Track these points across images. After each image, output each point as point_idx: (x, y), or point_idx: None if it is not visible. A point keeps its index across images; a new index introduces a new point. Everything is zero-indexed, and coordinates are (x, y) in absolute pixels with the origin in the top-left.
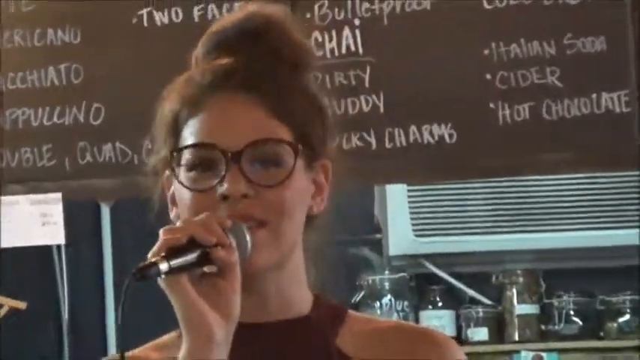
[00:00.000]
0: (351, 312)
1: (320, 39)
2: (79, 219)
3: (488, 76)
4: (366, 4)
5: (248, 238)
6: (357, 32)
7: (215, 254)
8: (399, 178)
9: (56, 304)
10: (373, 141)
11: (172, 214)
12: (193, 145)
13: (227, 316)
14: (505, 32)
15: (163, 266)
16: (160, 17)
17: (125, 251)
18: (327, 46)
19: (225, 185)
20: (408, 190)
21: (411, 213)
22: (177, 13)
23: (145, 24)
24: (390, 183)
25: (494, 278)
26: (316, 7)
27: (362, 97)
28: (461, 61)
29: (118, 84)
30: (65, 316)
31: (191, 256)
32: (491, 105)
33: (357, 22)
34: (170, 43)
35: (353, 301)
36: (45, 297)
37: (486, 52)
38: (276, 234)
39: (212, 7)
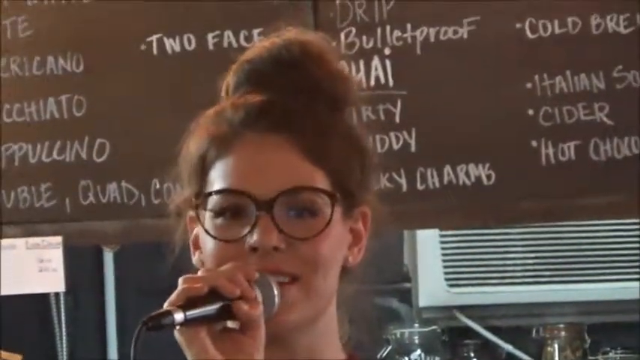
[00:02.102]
0: None
1: (346, 69)
2: (80, 265)
3: (531, 112)
4: (398, 32)
5: (276, 292)
6: (388, 62)
7: (238, 308)
8: (431, 222)
9: (53, 358)
10: (404, 182)
11: (195, 258)
12: (222, 191)
13: None
14: (549, 64)
15: (179, 316)
16: (171, 44)
17: (129, 302)
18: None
19: (255, 237)
20: (441, 236)
21: (444, 261)
22: (189, 40)
23: (155, 52)
24: (422, 228)
25: (534, 332)
26: (342, 34)
27: (392, 134)
28: (501, 96)
29: (124, 117)
30: None
31: (211, 308)
32: (534, 143)
33: (387, 51)
34: (182, 73)
35: (379, 356)
36: (42, 349)
37: (529, 85)
38: (308, 290)
39: (228, 33)
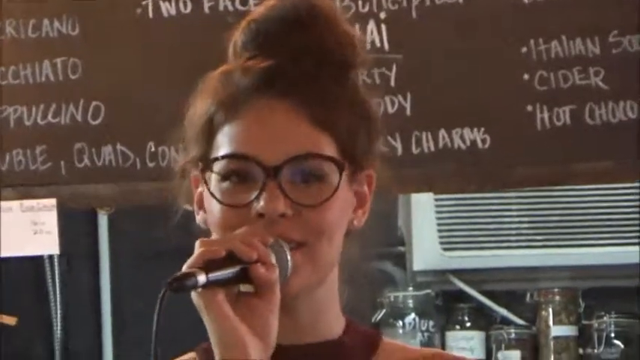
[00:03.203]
0: (385, 339)
1: None
2: (74, 228)
3: (526, 77)
4: None
5: (289, 257)
6: (383, 27)
7: (255, 272)
8: (426, 186)
9: (47, 320)
10: (399, 146)
11: (198, 218)
12: (230, 156)
13: (264, 338)
14: (545, 29)
15: (201, 278)
16: (167, 7)
17: (124, 264)
18: None
19: (262, 203)
20: (436, 200)
21: (439, 225)
22: (185, 3)
23: (150, 15)
24: (417, 192)
25: (528, 297)
26: None
27: (387, 98)
28: (496, 60)
29: (119, 80)
30: (57, 333)
31: (230, 271)
32: (529, 108)
33: (382, 15)
34: (178, 37)
35: (373, 319)
36: (37, 312)
37: (524, 50)
38: (313, 256)
39: None
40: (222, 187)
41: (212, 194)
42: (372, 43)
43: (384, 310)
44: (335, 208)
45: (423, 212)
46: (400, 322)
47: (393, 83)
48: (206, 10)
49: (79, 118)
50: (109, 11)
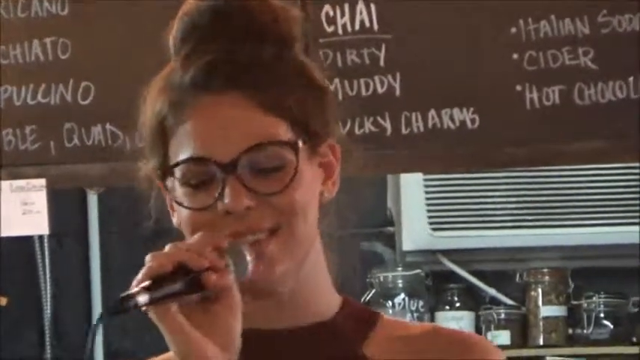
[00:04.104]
0: (385, 317)
1: (332, 14)
2: (64, 208)
3: (515, 56)
4: None
5: (248, 256)
6: (372, 7)
7: (207, 279)
8: (415, 166)
9: (37, 301)
10: (388, 126)
11: (175, 220)
12: (184, 161)
13: (226, 344)
14: (534, 8)
15: (142, 298)
16: None
17: (113, 244)
18: (340, 21)
19: (226, 200)
20: (425, 180)
21: (428, 205)
22: None
23: None
24: (406, 172)
25: (517, 277)
26: None
27: (376, 78)
28: (485, 40)
29: (108, 60)
30: (47, 313)
31: (177, 284)
32: (518, 88)
33: None
34: (167, 17)
35: (363, 299)
36: (26, 292)
37: (513, 30)
38: (288, 239)
39: None
40: (185, 192)
41: (177, 201)
42: (362, 23)
43: (373, 290)
44: (301, 187)
45: (412, 192)
46: (390, 302)
47: (382, 64)
48: None
49: (68, 98)
50: None
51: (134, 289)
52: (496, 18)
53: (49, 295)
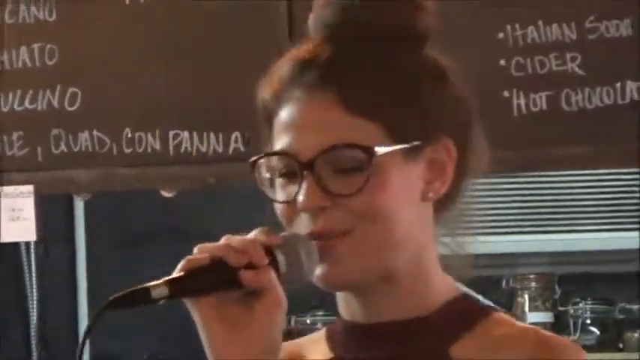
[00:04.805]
0: (496, 314)
1: None
2: (51, 214)
3: (503, 62)
4: None
5: (303, 256)
6: None
7: (242, 276)
8: None
9: (24, 306)
10: None
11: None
12: (271, 154)
13: (260, 341)
14: (521, 14)
15: (157, 292)
16: None
17: (100, 250)
18: None
19: (300, 198)
20: None
21: None
22: None
23: (127, 1)
24: None
25: (504, 283)
26: None
27: None
28: (472, 46)
29: (96, 67)
30: (34, 318)
31: (217, 278)
32: (505, 94)
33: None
34: (154, 23)
35: None
36: (13, 298)
37: (501, 35)
38: (362, 241)
39: None
40: (279, 182)
41: (265, 192)
42: None
43: None
44: (384, 190)
45: None
46: None
47: None
48: None
49: (55, 104)
50: None
51: (159, 281)
52: (483, 24)
53: (35, 301)
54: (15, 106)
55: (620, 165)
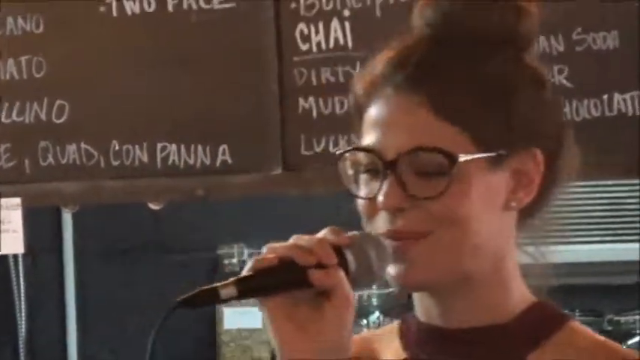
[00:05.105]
0: (574, 324)
1: (306, 31)
2: (39, 225)
3: None
4: None
5: (372, 256)
6: (347, 24)
7: (311, 276)
8: None
9: (12, 318)
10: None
11: None
12: (357, 149)
13: (327, 341)
14: None
15: (226, 291)
16: (131, 6)
17: (89, 263)
18: (314, 39)
19: (379, 197)
20: None
21: None
22: (149, 2)
23: (115, 13)
24: None
25: None
26: None
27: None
28: None
29: (83, 79)
30: (22, 333)
31: (286, 277)
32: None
33: (346, 13)
34: (142, 35)
35: None
36: (1, 311)
37: None
38: (438, 246)
39: None
40: (362, 177)
41: (349, 187)
42: (336, 40)
43: None
44: (465, 196)
45: None
46: (365, 321)
47: None
48: (170, 8)
49: (43, 116)
50: (73, 10)
51: (228, 281)
52: None
53: (23, 313)
54: (2, 119)
55: (608, 177)
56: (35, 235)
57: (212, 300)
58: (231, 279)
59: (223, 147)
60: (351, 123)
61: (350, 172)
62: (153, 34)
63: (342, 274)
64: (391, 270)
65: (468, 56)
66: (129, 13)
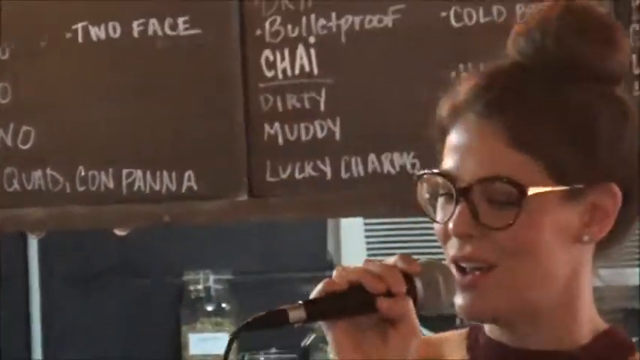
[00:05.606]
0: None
1: (271, 58)
2: (5, 252)
3: None
4: (323, 21)
5: (441, 284)
6: (312, 51)
7: (379, 303)
8: (355, 211)
9: None
10: (328, 170)
11: None
12: (434, 173)
13: None
14: (474, 52)
15: (295, 314)
16: (96, 32)
17: (55, 288)
18: (279, 66)
19: (450, 224)
20: (365, 225)
21: (369, 250)
22: (114, 28)
23: (80, 40)
24: (346, 217)
25: (458, 321)
26: (267, 23)
27: (316, 123)
28: (425, 84)
29: (49, 105)
30: None
31: (354, 303)
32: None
33: (312, 39)
34: (108, 61)
35: (303, 344)
36: None
37: (453, 74)
38: (505, 278)
39: (153, 21)
40: (439, 200)
41: (425, 209)
42: (302, 67)
43: (313, 335)
44: (535, 229)
45: (352, 237)
46: (330, 347)
47: (322, 108)
48: (135, 34)
49: (8, 142)
50: (38, 36)
51: (297, 303)
52: (436, 62)
53: None
54: None
55: None
56: (1, 261)
57: (281, 322)
58: (300, 301)
59: (189, 173)
60: (315, 149)
61: (426, 195)
62: (118, 60)
63: (410, 303)
64: (458, 300)
65: (553, 87)
66: (94, 39)
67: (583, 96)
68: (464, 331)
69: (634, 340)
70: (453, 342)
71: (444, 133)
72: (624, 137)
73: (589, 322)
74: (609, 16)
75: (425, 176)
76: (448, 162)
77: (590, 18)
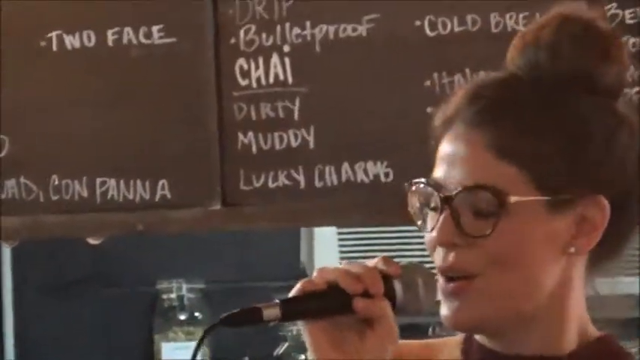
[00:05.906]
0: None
1: (246, 67)
2: None
3: (430, 110)
4: (297, 30)
5: (420, 287)
6: (287, 60)
7: (355, 304)
8: (328, 220)
9: None
10: (302, 179)
11: None
12: (421, 182)
13: None
14: (449, 62)
15: (269, 312)
16: (71, 40)
17: (27, 297)
18: (254, 74)
19: (434, 233)
20: (339, 234)
21: (342, 259)
22: (89, 37)
23: (55, 48)
24: (319, 226)
25: (430, 330)
26: (242, 31)
27: (290, 132)
28: (399, 93)
29: (23, 114)
30: None
31: (331, 303)
32: (433, 142)
33: (286, 48)
34: (82, 70)
35: (275, 353)
36: None
37: (428, 83)
38: (489, 287)
39: (128, 30)
40: (429, 210)
41: (414, 218)
42: (276, 76)
43: (286, 344)
44: (517, 239)
45: (325, 246)
46: (302, 356)
47: (296, 117)
48: (110, 43)
49: None
50: (12, 44)
51: (272, 302)
52: (410, 71)
53: None
54: None
55: None
56: None
57: (254, 320)
58: (277, 300)
59: (163, 182)
60: (289, 158)
61: (417, 204)
62: (93, 69)
63: (386, 304)
64: (443, 310)
65: (545, 99)
66: (69, 47)
67: (574, 108)
68: (461, 336)
69: (634, 349)
70: (450, 347)
71: (437, 142)
72: (616, 150)
73: (579, 330)
74: (608, 28)
75: (414, 186)
76: (437, 171)
77: (587, 31)
